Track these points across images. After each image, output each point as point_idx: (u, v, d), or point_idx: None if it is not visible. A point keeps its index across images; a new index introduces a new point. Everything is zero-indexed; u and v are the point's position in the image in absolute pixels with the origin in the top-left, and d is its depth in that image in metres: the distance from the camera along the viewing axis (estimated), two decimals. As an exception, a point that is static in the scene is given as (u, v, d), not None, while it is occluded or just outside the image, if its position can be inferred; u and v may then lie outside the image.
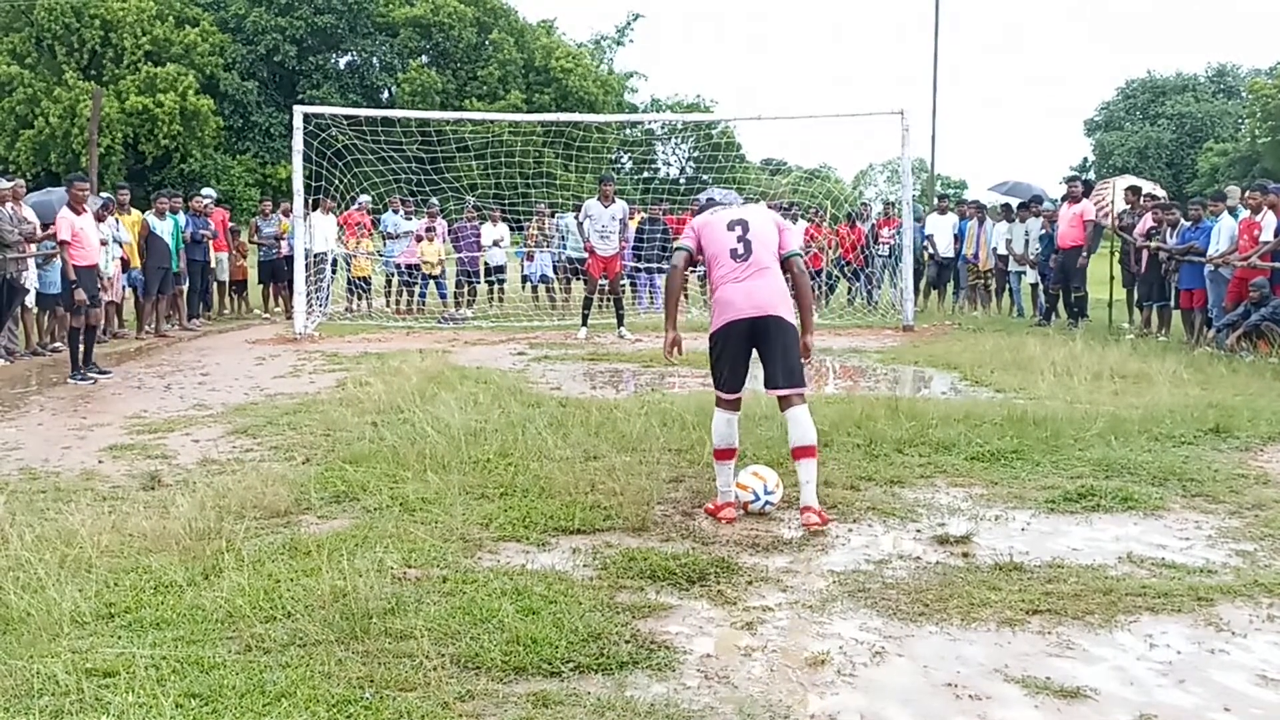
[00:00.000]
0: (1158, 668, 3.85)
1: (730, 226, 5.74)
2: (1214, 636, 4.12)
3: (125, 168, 43.60)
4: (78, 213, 11.22)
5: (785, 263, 5.79)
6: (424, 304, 18.47)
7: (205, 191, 19.26)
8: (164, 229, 15.11)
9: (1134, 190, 16.27)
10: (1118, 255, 16.16)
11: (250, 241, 18.77)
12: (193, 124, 44.71)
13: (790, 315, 5.68)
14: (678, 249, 5.92)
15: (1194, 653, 3.98)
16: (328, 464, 6.71)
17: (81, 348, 11.04)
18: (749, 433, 7.23)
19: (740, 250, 5.67)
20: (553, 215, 19.80)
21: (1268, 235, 12.15)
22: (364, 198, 18.86)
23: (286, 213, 17.87)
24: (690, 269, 6.66)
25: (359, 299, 18.77)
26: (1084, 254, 15.21)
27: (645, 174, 44.24)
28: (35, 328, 13.16)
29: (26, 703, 3.43)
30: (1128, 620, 4.25)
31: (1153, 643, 4.05)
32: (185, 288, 16.63)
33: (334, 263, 17.94)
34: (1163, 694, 3.65)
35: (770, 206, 20.07)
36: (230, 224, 18.90)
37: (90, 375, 10.87)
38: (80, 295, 10.91)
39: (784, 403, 5.63)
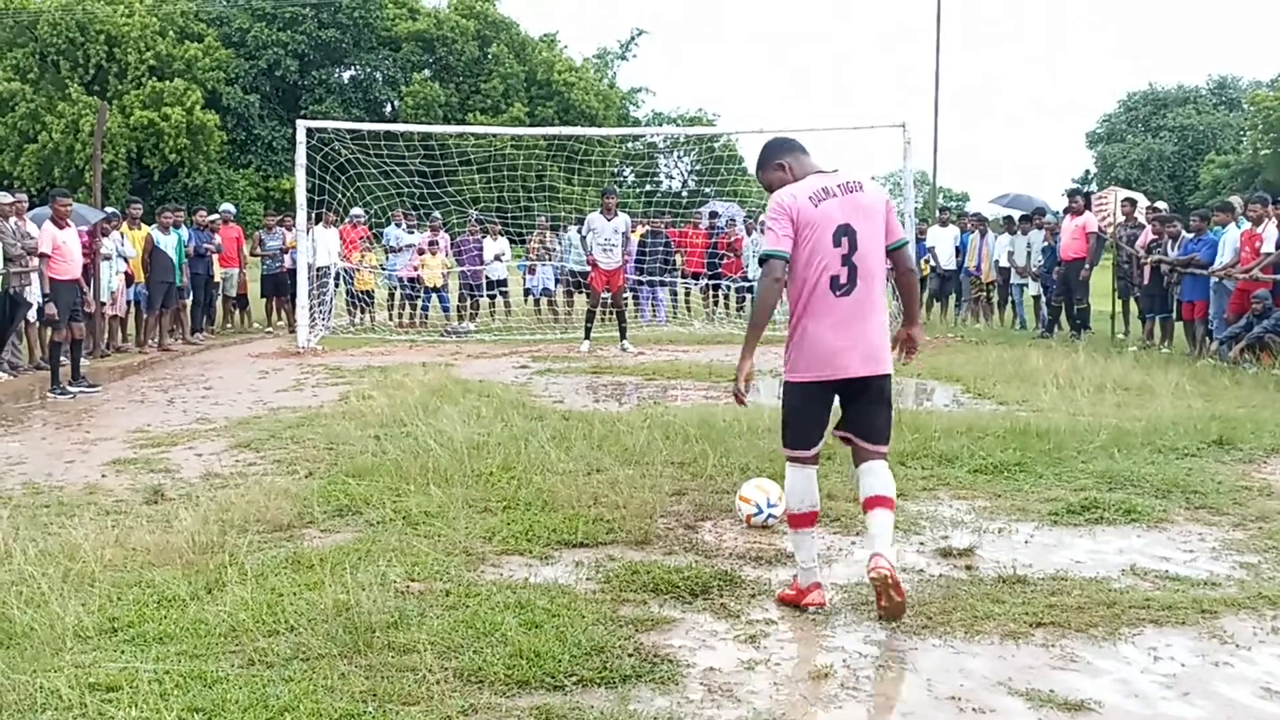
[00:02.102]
0: (1162, 681, 3.84)
1: (837, 239, 4.40)
2: (1218, 649, 4.11)
3: (129, 182, 43.73)
4: (60, 227, 11.36)
5: (892, 255, 4.59)
6: (426, 317, 18.49)
7: (224, 207, 19.27)
8: (168, 243, 15.14)
9: (1130, 202, 16.31)
10: (1114, 267, 16.20)
11: (253, 254, 18.80)
12: (198, 138, 44.84)
13: (890, 362, 4.59)
14: (773, 255, 4.42)
15: (1198, 665, 3.97)
16: (330, 477, 6.71)
17: (67, 362, 11.14)
18: (751, 444, 7.24)
19: (844, 280, 4.40)
20: (554, 229, 19.86)
21: (1269, 247, 12.16)
22: (356, 210, 18.88)
23: (289, 227, 17.90)
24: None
25: (361, 312, 18.79)
26: (1086, 266, 15.22)
27: (647, 187, 44.27)
28: (38, 342, 13.17)
29: (30, 717, 3.43)
30: (1131, 633, 4.25)
31: (1157, 655, 4.04)
32: (189, 301, 16.66)
33: (336, 276, 17.99)
34: (1167, 707, 3.65)
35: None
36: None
37: (70, 390, 10.93)
38: (50, 310, 11.01)
39: (862, 454, 4.57)
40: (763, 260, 4.44)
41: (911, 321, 4.85)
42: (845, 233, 4.39)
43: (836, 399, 4.57)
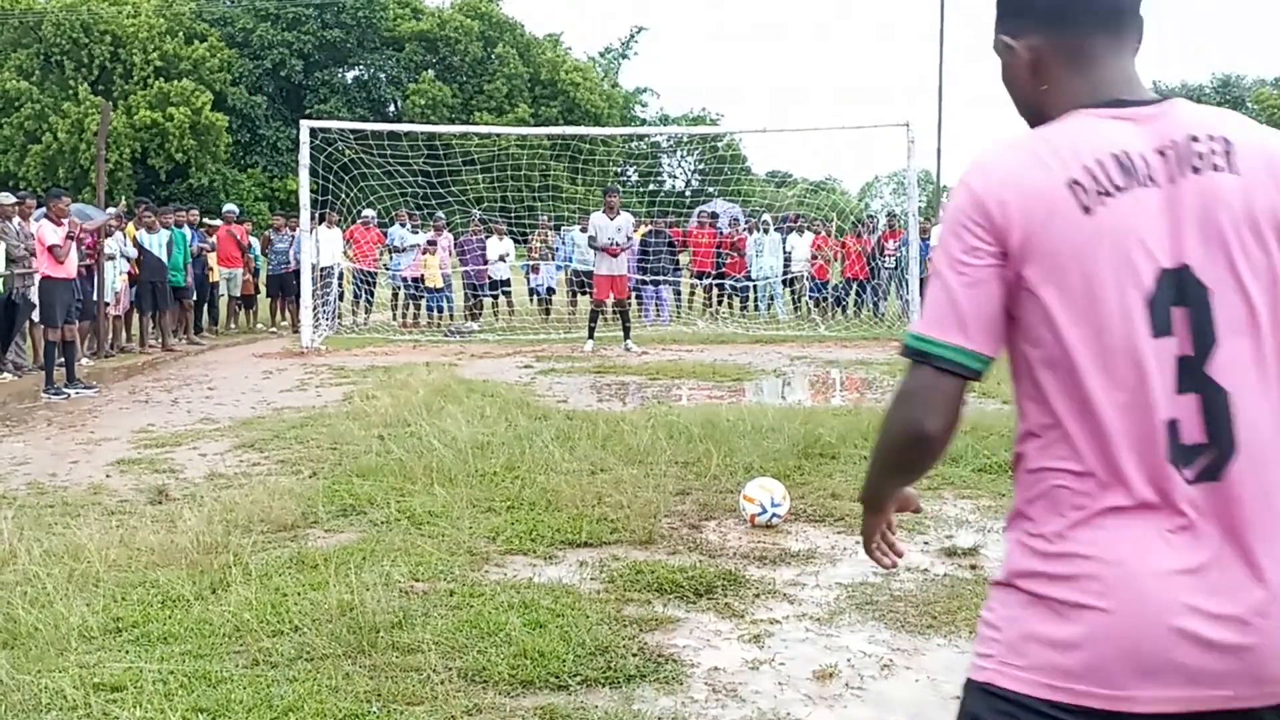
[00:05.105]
0: (1167, 680, 3.83)
1: (1160, 311, 1.55)
2: (1224, 648, 4.09)
3: (135, 182, 43.79)
4: (58, 225, 11.38)
5: None
6: (433, 316, 18.47)
7: (228, 208, 19.30)
8: (153, 242, 14.88)
9: None
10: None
11: (261, 254, 18.79)
12: (204, 139, 44.90)
13: None
14: (926, 356, 1.64)
15: (1204, 665, 3.95)
16: (335, 477, 6.71)
17: (61, 362, 11.24)
18: (755, 444, 7.24)
19: (1196, 433, 1.55)
20: (557, 229, 19.87)
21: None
22: (367, 212, 18.92)
23: (295, 228, 17.92)
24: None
25: (340, 317, 18.73)
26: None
27: (651, 186, 44.29)
28: (43, 343, 13.20)
29: (35, 717, 3.44)
30: (1137, 632, 4.23)
31: (1162, 655, 4.03)
32: (193, 301, 16.64)
33: (340, 276, 18.00)
34: (1172, 707, 3.63)
35: (775, 220, 20.26)
36: (250, 238, 18.74)
37: (65, 391, 10.97)
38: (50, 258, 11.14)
39: None
40: (911, 353, 1.67)
41: None
42: (1181, 290, 1.57)
43: None
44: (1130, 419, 1.55)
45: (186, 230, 16.14)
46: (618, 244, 14.39)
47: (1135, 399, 1.55)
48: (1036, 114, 1.73)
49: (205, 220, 18.27)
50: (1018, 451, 1.70)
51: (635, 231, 16.17)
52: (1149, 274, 1.55)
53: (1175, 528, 1.53)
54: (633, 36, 62.77)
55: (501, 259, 18.80)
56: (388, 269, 19.21)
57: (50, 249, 11.24)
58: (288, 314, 18.60)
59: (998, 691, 1.60)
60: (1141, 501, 1.54)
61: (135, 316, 15.42)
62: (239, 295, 18.32)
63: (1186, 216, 1.56)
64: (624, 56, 62.52)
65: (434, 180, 19.24)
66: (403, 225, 18.98)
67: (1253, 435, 1.56)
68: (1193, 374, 1.55)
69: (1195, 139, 1.60)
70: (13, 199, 12.18)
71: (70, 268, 11.56)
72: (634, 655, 3.92)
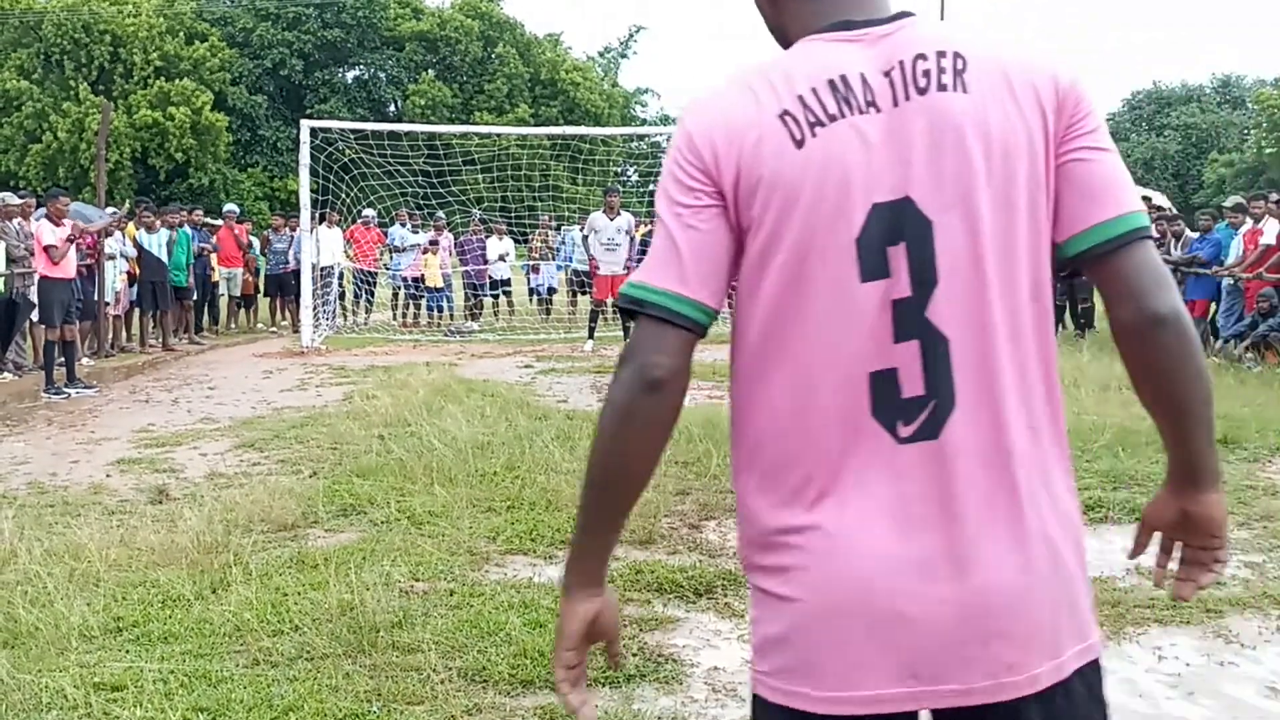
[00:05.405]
0: (1166, 680, 3.83)
1: (872, 251, 1.40)
2: (1223, 649, 4.10)
3: (135, 182, 43.77)
4: (57, 225, 11.38)
5: (1094, 265, 1.46)
6: (433, 316, 18.47)
7: (228, 208, 19.32)
8: (152, 242, 14.91)
9: (1145, 200, 16.35)
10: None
11: (261, 254, 18.81)
12: (204, 138, 44.89)
13: (1091, 623, 1.47)
14: (645, 307, 1.46)
15: (1203, 665, 3.96)
16: (335, 477, 6.71)
17: (61, 361, 11.26)
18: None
19: (914, 384, 1.41)
20: (558, 229, 19.86)
21: (1268, 241, 12.14)
22: (369, 212, 18.93)
23: (295, 228, 17.92)
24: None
25: (342, 316, 18.73)
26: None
27: (651, 186, 44.28)
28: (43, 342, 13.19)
29: (35, 717, 3.44)
30: (1136, 632, 4.24)
31: (1161, 655, 4.03)
32: (194, 301, 16.64)
33: (340, 276, 18.00)
34: (1171, 706, 3.64)
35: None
36: (250, 237, 18.71)
37: (65, 390, 10.98)
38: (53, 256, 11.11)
39: None
40: (626, 311, 1.48)
41: (1189, 475, 1.52)
42: (899, 226, 1.41)
43: None
44: (834, 377, 1.41)
45: (189, 230, 16.14)
46: (617, 244, 14.39)
47: (840, 353, 1.40)
48: (784, 43, 1.58)
49: (206, 220, 18.29)
50: (732, 425, 1.53)
51: (636, 231, 16.17)
52: (860, 210, 1.40)
53: (888, 499, 1.39)
54: (632, 36, 62.75)
55: (502, 259, 18.81)
56: (388, 269, 19.21)
57: (46, 249, 11.24)
58: (287, 314, 18.61)
59: (763, 704, 1.48)
60: (849, 472, 1.40)
61: (136, 316, 15.42)
62: (239, 295, 18.32)
63: (912, 143, 1.41)
64: (624, 56, 62.44)
65: (434, 180, 19.24)
66: (403, 225, 18.98)
67: (972, 387, 1.40)
68: (911, 319, 1.40)
69: (923, 57, 1.43)
70: (19, 200, 12.18)
71: (68, 268, 11.54)
72: (634, 655, 3.92)
